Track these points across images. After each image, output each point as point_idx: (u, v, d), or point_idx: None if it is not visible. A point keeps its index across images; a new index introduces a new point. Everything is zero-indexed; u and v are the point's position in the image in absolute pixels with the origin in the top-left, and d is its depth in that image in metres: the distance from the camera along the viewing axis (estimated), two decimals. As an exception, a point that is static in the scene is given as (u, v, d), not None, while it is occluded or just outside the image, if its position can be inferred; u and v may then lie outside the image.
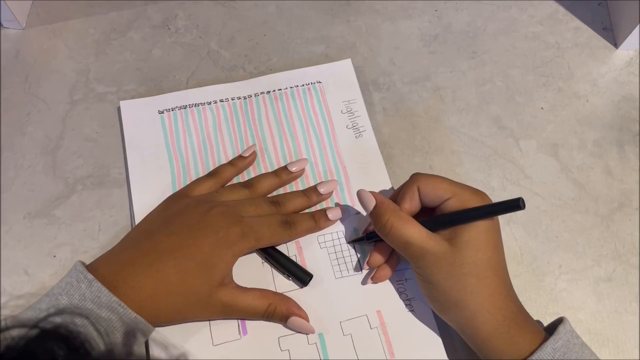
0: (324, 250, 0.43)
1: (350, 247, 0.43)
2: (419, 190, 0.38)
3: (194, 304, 0.37)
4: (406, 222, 0.37)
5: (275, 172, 0.45)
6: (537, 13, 0.55)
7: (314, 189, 0.44)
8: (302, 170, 0.45)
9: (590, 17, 0.54)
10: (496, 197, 0.46)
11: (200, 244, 0.38)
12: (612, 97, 0.51)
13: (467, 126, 0.49)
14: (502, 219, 0.45)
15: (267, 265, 0.42)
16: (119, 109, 0.49)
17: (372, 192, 0.39)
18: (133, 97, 0.50)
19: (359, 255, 0.42)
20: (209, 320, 0.40)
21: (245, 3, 0.55)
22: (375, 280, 0.41)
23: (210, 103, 0.48)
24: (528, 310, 0.36)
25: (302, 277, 0.41)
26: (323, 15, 0.54)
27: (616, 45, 0.53)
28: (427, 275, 0.36)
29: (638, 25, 0.49)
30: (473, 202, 0.36)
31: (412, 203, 0.38)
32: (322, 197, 0.44)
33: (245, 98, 0.49)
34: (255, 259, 0.42)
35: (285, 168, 0.45)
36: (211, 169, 0.45)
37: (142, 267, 0.36)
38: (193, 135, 0.47)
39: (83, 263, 0.36)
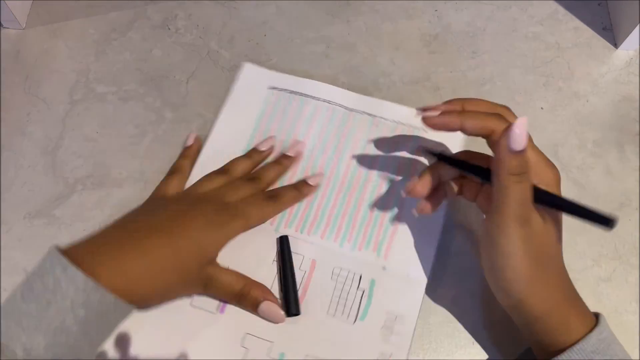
0: (333, 281, 0.42)
1: (356, 295, 0.41)
2: (534, 151, 0.36)
3: (186, 280, 0.38)
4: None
5: (247, 154, 0.46)
6: (537, 13, 0.55)
7: (284, 155, 0.46)
8: (271, 149, 0.46)
9: (590, 17, 0.54)
10: (496, 197, 0.46)
11: (190, 224, 0.38)
12: (612, 97, 0.51)
13: (467, 126, 0.49)
14: (502, 219, 0.45)
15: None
16: (239, 68, 0.50)
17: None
18: (133, 98, 0.50)
19: (361, 306, 0.41)
20: (191, 295, 0.41)
21: (245, 3, 0.55)
22: (423, 212, 0.39)
23: (318, 99, 0.49)
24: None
25: (290, 308, 0.40)
26: (323, 15, 0.54)
27: (616, 45, 0.53)
28: (506, 246, 0.33)
29: (638, 25, 0.49)
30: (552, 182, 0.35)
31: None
32: (293, 160, 0.46)
33: (349, 110, 0.48)
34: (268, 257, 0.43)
35: (255, 149, 0.46)
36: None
37: (128, 246, 0.35)
38: (285, 122, 0.48)
39: (58, 247, 0.34)
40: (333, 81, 0.51)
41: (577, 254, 0.44)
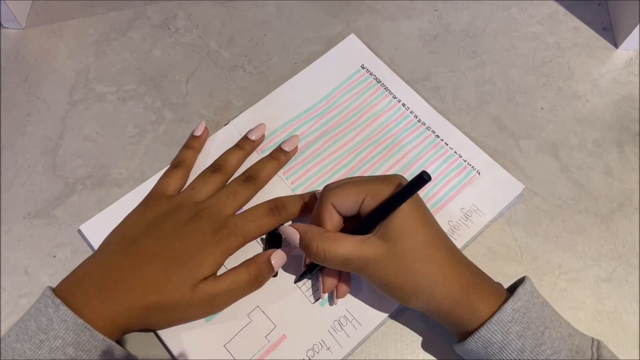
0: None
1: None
2: (333, 206, 0.37)
3: (177, 306, 0.37)
4: (335, 240, 0.35)
5: (238, 145, 0.46)
6: (537, 13, 0.55)
7: (279, 149, 0.45)
8: (262, 138, 0.46)
9: (590, 17, 0.54)
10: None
11: (187, 245, 0.38)
12: (612, 97, 0.51)
13: (467, 126, 0.49)
14: (502, 218, 0.45)
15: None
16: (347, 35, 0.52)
17: (293, 225, 0.38)
18: (133, 98, 0.50)
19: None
20: (197, 318, 0.39)
21: (245, 3, 0.55)
22: (340, 298, 0.40)
23: (396, 98, 0.49)
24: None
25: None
26: (323, 15, 0.54)
27: (616, 45, 0.53)
28: (378, 279, 0.36)
29: (638, 25, 0.49)
30: (385, 192, 0.36)
31: (332, 220, 0.37)
32: (289, 155, 0.46)
33: (418, 120, 0.48)
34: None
35: (246, 138, 0.46)
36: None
37: (130, 270, 0.37)
38: (355, 104, 0.49)
39: (51, 288, 0.36)
40: (333, 81, 0.51)
41: (577, 254, 0.44)
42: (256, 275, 0.39)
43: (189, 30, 0.53)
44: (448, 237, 0.37)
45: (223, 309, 0.40)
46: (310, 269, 0.40)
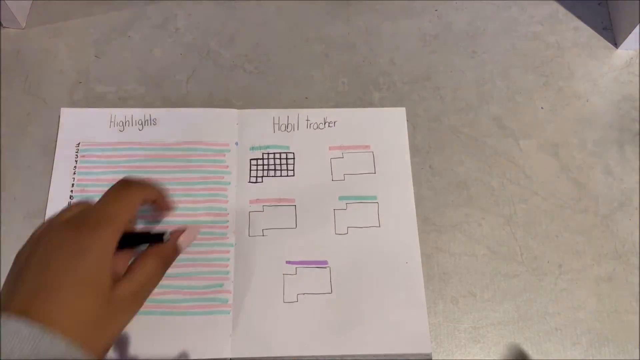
0: None
1: None
2: None
3: (105, 322, 0.32)
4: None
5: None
6: (537, 13, 0.55)
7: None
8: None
9: (590, 17, 0.54)
10: (496, 197, 0.46)
11: (64, 269, 0.32)
12: (612, 97, 0.51)
13: (467, 126, 0.49)
14: (503, 218, 0.45)
15: None
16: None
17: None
18: (133, 98, 0.50)
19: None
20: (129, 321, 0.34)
21: (245, 3, 0.55)
22: None
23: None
24: (529, 311, 0.36)
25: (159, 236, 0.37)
26: (323, 15, 0.54)
27: (616, 45, 0.53)
28: None
29: (638, 25, 0.49)
30: None
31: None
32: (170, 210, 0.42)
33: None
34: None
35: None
36: None
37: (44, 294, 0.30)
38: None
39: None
40: (333, 81, 0.51)
41: (577, 254, 0.44)
42: (167, 259, 0.36)
43: (189, 30, 0.53)
44: None
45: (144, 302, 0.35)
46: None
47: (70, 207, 0.36)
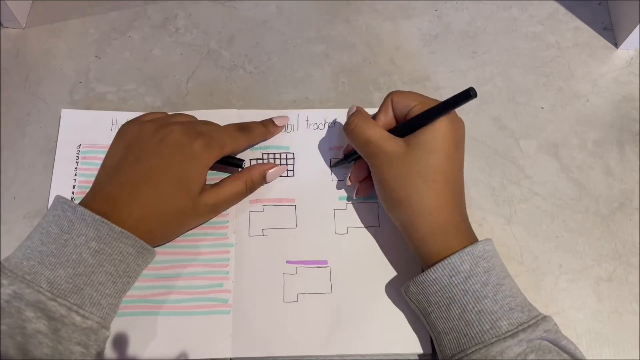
0: None
1: None
2: (392, 102, 0.41)
3: (183, 218, 0.41)
4: (370, 123, 0.40)
5: (262, 122, 0.47)
6: (537, 13, 0.55)
7: (270, 120, 0.47)
8: (282, 128, 0.48)
9: (591, 17, 0.54)
10: (496, 197, 0.46)
11: (169, 164, 0.40)
12: (612, 97, 0.51)
13: (467, 126, 0.49)
14: (503, 218, 0.45)
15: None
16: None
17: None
18: (133, 98, 0.50)
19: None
20: (202, 224, 0.44)
21: (245, 3, 0.55)
22: (358, 195, 0.44)
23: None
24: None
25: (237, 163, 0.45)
26: (323, 15, 0.54)
27: (616, 45, 0.53)
28: (380, 174, 0.39)
29: (638, 25, 0.49)
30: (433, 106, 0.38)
31: (386, 115, 0.41)
32: (277, 129, 0.47)
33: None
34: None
35: (271, 120, 0.47)
36: None
37: (123, 198, 0.39)
38: None
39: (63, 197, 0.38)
40: (333, 81, 0.51)
41: (577, 254, 0.44)
42: (251, 187, 0.44)
43: (189, 30, 0.53)
44: (462, 181, 0.40)
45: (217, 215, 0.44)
46: (346, 156, 0.44)
47: (160, 114, 0.45)
